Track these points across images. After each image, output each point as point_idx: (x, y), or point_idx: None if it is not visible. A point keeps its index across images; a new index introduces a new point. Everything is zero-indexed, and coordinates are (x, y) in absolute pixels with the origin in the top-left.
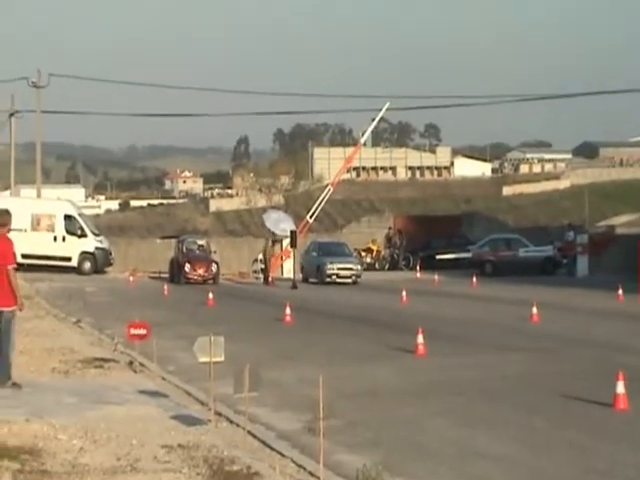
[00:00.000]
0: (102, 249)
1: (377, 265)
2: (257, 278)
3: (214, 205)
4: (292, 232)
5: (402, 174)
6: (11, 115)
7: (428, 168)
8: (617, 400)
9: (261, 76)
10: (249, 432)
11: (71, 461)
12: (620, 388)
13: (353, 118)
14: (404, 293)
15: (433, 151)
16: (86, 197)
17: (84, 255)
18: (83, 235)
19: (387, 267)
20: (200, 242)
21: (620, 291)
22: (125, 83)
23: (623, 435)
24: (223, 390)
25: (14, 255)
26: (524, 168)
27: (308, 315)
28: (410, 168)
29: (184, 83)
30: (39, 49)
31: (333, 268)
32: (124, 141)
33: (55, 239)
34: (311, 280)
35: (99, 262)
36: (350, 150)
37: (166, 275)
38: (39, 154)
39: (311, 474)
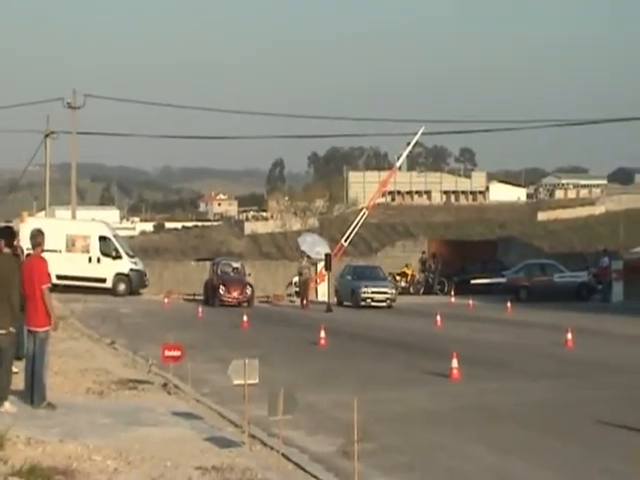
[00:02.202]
0: (137, 271)
1: (411, 289)
2: (292, 301)
3: (249, 228)
4: (327, 255)
5: (437, 198)
6: (46, 136)
7: (463, 193)
8: None
9: (296, 99)
10: (283, 455)
11: None
12: None
13: (388, 142)
14: (438, 317)
15: (468, 176)
16: (121, 219)
17: (119, 276)
18: (118, 256)
19: (421, 291)
20: (235, 265)
21: None
22: (160, 105)
23: None
24: (257, 413)
25: (49, 275)
26: (559, 193)
27: (343, 339)
28: (445, 192)
29: (219, 105)
30: (74, 70)
31: (368, 292)
32: (159, 162)
33: (90, 260)
34: (345, 303)
35: (134, 284)
36: (385, 174)
37: (201, 297)
38: (74, 175)
39: None
